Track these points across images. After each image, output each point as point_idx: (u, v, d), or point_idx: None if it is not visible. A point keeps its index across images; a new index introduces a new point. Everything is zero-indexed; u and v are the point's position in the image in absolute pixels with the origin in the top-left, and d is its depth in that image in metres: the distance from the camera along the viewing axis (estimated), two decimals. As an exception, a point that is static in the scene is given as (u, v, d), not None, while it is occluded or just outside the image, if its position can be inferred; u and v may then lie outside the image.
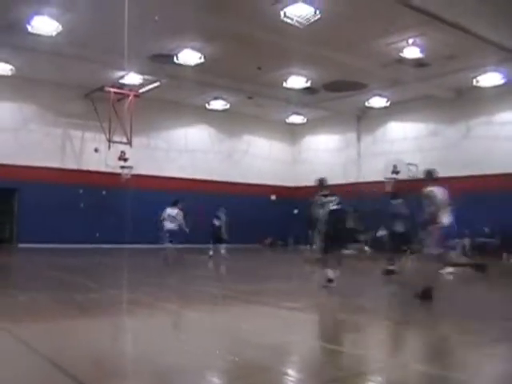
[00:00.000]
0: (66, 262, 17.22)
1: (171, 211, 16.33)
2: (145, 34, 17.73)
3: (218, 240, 19.14)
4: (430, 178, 9.73)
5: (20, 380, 4.36)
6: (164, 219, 16.29)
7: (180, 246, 16.24)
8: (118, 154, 24.28)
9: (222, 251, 18.86)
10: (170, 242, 16.15)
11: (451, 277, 13.46)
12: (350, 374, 4.81)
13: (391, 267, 13.75)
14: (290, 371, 4.96)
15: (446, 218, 9.16)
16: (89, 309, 8.00)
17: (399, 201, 14.81)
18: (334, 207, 11.72)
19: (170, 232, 16.21)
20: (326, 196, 11.96)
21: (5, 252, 22.26)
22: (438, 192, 9.31)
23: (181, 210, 16.44)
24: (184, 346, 5.76)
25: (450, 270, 13.40)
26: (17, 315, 7.14)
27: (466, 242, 22.36)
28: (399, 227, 14.18)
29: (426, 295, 8.74)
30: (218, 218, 19.26)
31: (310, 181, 29.63)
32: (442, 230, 9.07)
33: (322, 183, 10.89)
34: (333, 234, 11.30)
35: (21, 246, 23.40)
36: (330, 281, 10.61)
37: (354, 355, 5.52)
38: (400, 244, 14.32)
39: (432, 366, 4.98)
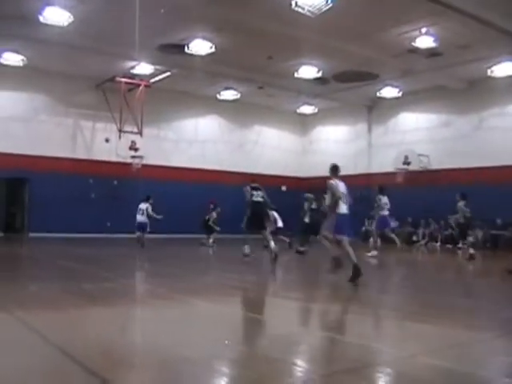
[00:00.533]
0: (77, 251, 17.29)
1: (142, 205, 18.82)
2: (155, 24, 17.70)
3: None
4: (334, 172, 11.41)
5: (30, 367, 4.36)
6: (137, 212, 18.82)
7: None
8: (129, 143, 24.32)
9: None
10: (141, 231, 18.79)
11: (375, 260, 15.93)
12: (360, 365, 4.79)
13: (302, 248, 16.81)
14: (300, 362, 4.93)
15: (343, 208, 10.59)
16: (100, 299, 8.00)
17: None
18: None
19: (140, 224, 18.76)
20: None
21: (16, 241, 22.40)
22: (339, 184, 10.81)
23: (151, 204, 18.84)
24: (194, 336, 5.75)
25: (374, 253, 16.84)
26: (28, 304, 7.15)
27: (479, 234, 22.27)
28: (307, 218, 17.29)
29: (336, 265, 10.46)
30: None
31: (320, 171, 29.65)
32: (339, 217, 10.44)
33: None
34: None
35: (32, 235, 23.52)
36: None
37: (363, 346, 5.49)
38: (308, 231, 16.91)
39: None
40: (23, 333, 5.60)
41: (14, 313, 6.43)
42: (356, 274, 9.62)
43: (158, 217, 18.62)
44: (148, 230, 18.92)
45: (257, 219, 14.01)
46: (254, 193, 14.26)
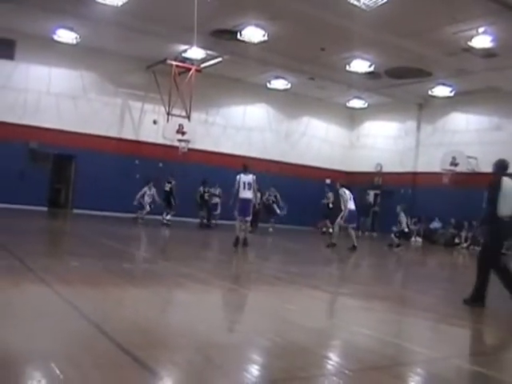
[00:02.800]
0: (118, 230, 17.52)
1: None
2: (210, 9, 17.69)
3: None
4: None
5: (66, 342, 4.45)
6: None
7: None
8: (176, 127, 24.41)
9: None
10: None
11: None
12: (391, 363, 4.75)
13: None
14: (331, 355, 4.91)
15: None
16: (139, 279, 8.11)
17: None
18: None
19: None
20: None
21: (60, 217, 22.82)
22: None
23: (153, 186, 21.44)
24: (229, 322, 5.78)
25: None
26: (68, 279, 7.27)
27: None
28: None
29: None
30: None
31: (366, 166, 29.37)
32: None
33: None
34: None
35: (75, 211, 23.91)
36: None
37: (397, 345, 5.44)
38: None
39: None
40: (60, 306, 5.70)
41: (53, 286, 6.55)
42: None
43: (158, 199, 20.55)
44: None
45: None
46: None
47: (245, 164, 15.06)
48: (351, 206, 16.66)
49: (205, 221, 21.92)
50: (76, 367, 3.70)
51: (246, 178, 14.39)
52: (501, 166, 8.12)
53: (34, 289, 6.51)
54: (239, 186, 14.25)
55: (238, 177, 14.40)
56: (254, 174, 14.58)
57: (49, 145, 23.01)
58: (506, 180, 7.78)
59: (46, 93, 23.49)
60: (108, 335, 4.62)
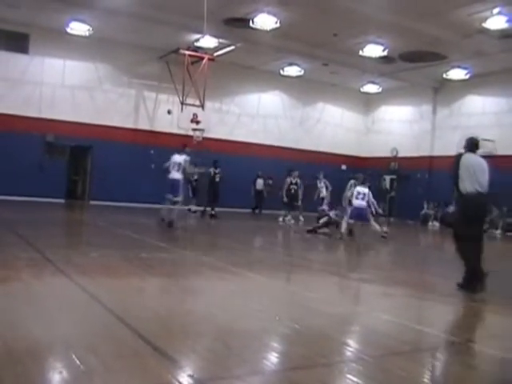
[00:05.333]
0: (135, 220, 17.60)
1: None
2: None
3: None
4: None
5: (87, 332, 4.50)
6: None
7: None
8: (191, 116, 24.38)
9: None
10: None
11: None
12: (411, 349, 4.74)
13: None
14: (351, 341, 4.92)
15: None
16: (157, 268, 8.13)
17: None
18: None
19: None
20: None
21: (77, 208, 22.95)
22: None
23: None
24: (249, 310, 5.80)
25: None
26: (88, 271, 7.32)
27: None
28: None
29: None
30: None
31: (382, 152, 29.24)
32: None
33: None
34: None
35: (92, 202, 24.05)
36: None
37: (418, 330, 5.43)
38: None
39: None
40: (81, 297, 5.75)
41: (72, 277, 6.60)
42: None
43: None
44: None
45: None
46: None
47: (184, 144, 15.15)
48: (355, 202, 14.95)
49: (209, 209, 21.38)
50: (96, 357, 3.74)
51: (178, 158, 14.48)
52: (467, 144, 8.02)
53: (54, 280, 6.57)
54: (169, 166, 14.43)
55: (171, 156, 14.57)
56: (188, 155, 14.70)
57: (65, 137, 23.11)
58: (467, 157, 7.75)
59: (61, 85, 23.59)
60: (128, 325, 4.66)
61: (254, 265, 9.37)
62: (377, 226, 15.15)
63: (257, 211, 25.90)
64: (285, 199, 18.39)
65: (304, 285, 7.79)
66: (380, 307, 6.61)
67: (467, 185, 7.58)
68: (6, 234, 11.11)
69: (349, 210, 15.17)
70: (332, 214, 16.37)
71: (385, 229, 16.10)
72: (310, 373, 3.88)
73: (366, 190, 15.10)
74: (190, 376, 3.55)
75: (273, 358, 4.19)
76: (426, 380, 3.93)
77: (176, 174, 14.39)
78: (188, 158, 14.64)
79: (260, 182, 25.87)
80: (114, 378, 3.45)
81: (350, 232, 15.62)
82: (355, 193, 15.08)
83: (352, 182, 16.36)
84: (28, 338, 4.13)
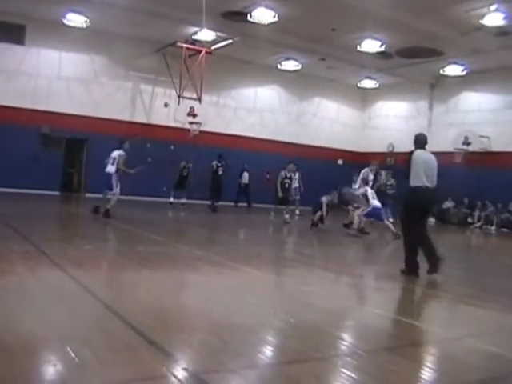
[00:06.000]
0: (131, 214, 17.58)
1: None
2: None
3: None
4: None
5: (81, 325, 4.50)
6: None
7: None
8: (187, 109, 24.38)
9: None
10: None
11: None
12: (405, 344, 4.76)
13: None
14: (345, 336, 4.93)
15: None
16: (152, 262, 8.13)
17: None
18: None
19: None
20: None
21: (73, 201, 22.91)
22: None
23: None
24: (244, 304, 5.81)
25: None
26: (83, 264, 7.32)
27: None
28: None
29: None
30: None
31: (378, 147, 29.30)
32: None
33: None
34: None
35: (88, 195, 24.00)
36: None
37: (411, 325, 5.45)
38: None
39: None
40: (75, 290, 5.75)
41: (68, 271, 6.60)
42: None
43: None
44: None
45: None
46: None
47: (121, 139, 15.62)
48: (374, 203, 14.93)
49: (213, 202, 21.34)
50: (91, 350, 3.74)
51: (114, 153, 15.06)
52: (416, 141, 8.64)
53: (48, 273, 6.57)
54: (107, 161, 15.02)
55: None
56: (125, 150, 15.13)
57: (61, 129, 23.02)
58: (418, 153, 8.33)
59: (57, 77, 23.49)
60: (123, 318, 4.66)
61: (251, 259, 9.38)
62: (391, 225, 14.90)
63: (238, 204, 25.82)
64: (280, 194, 18.10)
65: (300, 279, 7.81)
66: (373, 302, 6.64)
67: (417, 179, 8.12)
68: (1, 226, 11.09)
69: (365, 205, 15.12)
70: (324, 199, 16.17)
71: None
72: (304, 367, 3.90)
73: (370, 191, 15.22)
74: (185, 369, 3.56)
75: (268, 352, 4.21)
76: (418, 374, 3.95)
77: (109, 168, 14.90)
78: (123, 153, 15.00)
79: (246, 176, 25.88)
80: (109, 371, 3.46)
81: (348, 225, 15.66)
82: (370, 193, 15.06)
83: (366, 169, 16.40)
84: (22, 331, 4.14)
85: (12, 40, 22.40)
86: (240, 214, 21.82)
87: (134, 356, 3.75)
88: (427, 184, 8.12)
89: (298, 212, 21.24)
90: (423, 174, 8.12)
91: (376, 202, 14.93)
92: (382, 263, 10.86)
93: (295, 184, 20.65)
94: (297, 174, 20.78)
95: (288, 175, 18.19)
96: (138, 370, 3.49)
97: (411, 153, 8.35)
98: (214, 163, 20.99)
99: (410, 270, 8.15)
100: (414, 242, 8.21)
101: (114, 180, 14.90)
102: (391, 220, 15.46)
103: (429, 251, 8.11)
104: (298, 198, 21.35)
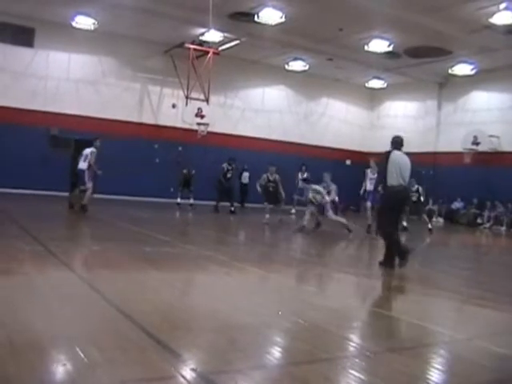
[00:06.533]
0: (140, 214, 17.62)
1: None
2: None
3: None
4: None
5: (90, 325, 4.51)
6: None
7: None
8: (195, 110, 24.42)
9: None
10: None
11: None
12: (413, 345, 4.74)
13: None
14: (353, 337, 4.92)
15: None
16: (160, 262, 8.14)
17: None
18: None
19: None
20: None
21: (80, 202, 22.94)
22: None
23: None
24: (251, 304, 5.81)
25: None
26: (91, 264, 7.36)
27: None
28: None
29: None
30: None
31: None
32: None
33: None
34: None
35: (96, 196, 24.03)
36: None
37: (419, 326, 5.43)
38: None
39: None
40: (84, 290, 5.77)
41: (76, 271, 6.63)
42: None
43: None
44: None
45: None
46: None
47: (95, 137, 16.50)
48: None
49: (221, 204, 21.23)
50: (100, 350, 3.75)
51: (86, 150, 15.92)
52: (393, 142, 9.07)
53: (57, 273, 6.58)
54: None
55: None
56: (96, 148, 15.92)
57: (69, 130, 23.11)
58: (395, 154, 8.81)
59: (66, 79, 23.60)
60: (131, 318, 4.67)
61: (258, 259, 9.39)
62: (341, 219, 15.36)
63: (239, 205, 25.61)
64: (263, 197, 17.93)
65: (307, 280, 7.80)
66: (381, 302, 6.62)
67: (393, 178, 8.63)
68: (10, 226, 11.15)
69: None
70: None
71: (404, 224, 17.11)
72: (312, 367, 3.89)
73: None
74: (193, 370, 3.56)
75: (275, 353, 4.21)
76: (427, 375, 3.93)
77: (81, 165, 15.68)
78: (94, 151, 15.78)
79: (246, 176, 25.81)
80: (118, 371, 3.46)
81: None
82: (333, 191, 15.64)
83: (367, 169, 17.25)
84: (31, 330, 4.15)
85: (21, 42, 22.53)
86: (244, 215, 21.80)
87: (142, 356, 3.76)
88: (402, 182, 8.67)
89: (293, 211, 21.22)
90: (399, 173, 8.65)
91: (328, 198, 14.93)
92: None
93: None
94: (306, 174, 20.97)
95: (271, 178, 17.92)
96: (146, 371, 3.50)
97: (388, 153, 8.84)
98: (225, 166, 20.77)
99: (388, 262, 8.73)
100: (391, 236, 8.78)
101: (86, 176, 15.59)
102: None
103: (399, 246, 8.75)
104: (299, 197, 21.31)
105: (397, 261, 8.68)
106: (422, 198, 18.36)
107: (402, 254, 8.62)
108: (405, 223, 16.98)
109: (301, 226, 14.63)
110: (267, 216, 16.86)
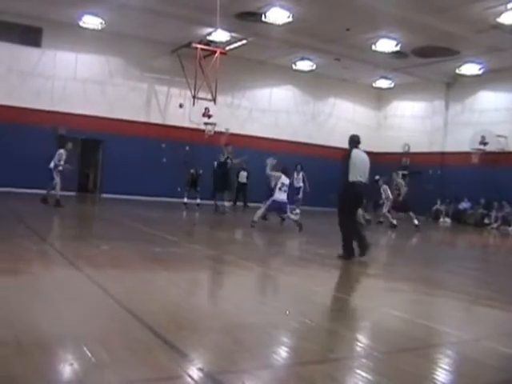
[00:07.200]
0: (147, 214, 17.63)
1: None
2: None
3: None
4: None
5: (97, 325, 4.51)
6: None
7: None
8: (202, 110, 24.47)
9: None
10: None
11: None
12: (422, 345, 4.73)
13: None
14: (361, 337, 4.90)
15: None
16: (167, 262, 8.14)
17: None
18: None
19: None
20: None
21: (89, 202, 23.05)
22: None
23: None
24: (258, 304, 5.81)
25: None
26: (99, 264, 7.35)
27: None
28: None
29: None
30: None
31: (394, 147, 29.12)
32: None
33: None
34: None
35: (103, 196, 24.14)
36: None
37: (427, 326, 5.42)
38: None
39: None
40: (91, 290, 5.77)
41: (83, 270, 6.63)
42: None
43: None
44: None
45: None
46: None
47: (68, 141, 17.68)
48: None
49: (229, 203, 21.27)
50: (107, 350, 3.75)
51: (58, 151, 17.13)
52: (351, 141, 9.83)
53: (65, 273, 6.59)
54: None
55: None
56: (67, 150, 17.13)
57: (77, 130, 23.16)
58: (356, 152, 9.46)
59: (73, 79, 23.67)
60: (138, 318, 4.67)
61: (264, 259, 9.38)
62: (293, 216, 15.69)
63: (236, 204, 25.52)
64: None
65: (314, 279, 7.79)
66: (388, 302, 6.60)
67: (354, 175, 9.18)
68: (17, 226, 11.18)
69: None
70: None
71: (416, 222, 18.56)
72: (319, 368, 3.88)
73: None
74: (200, 369, 3.56)
75: (282, 353, 4.20)
76: (435, 376, 3.92)
77: (51, 164, 17.00)
78: (61, 151, 17.06)
79: (243, 175, 25.54)
80: (125, 371, 3.46)
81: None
82: (279, 185, 14.87)
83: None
84: (38, 330, 4.16)
85: (29, 42, 22.62)
86: (247, 215, 21.76)
87: (149, 356, 3.75)
88: (361, 179, 9.26)
89: (298, 211, 21.14)
90: (359, 170, 9.26)
91: (281, 196, 14.62)
92: (397, 263, 10.79)
93: (299, 184, 20.82)
94: (300, 174, 21.22)
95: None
96: (153, 371, 3.50)
97: (349, 151, 9.45)
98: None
99: (347, 254, 9.25)
100: (349, 229, 9.30)
101: (53, 172, 16.89)
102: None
103: (359, 238, 9.28)
104: (300, 197, 21.35)
105: (357, 251, 9.24)
106: (401, 194, 19.47)
107: (363, 247, 9.16)
108: (367, 216, 18.08)
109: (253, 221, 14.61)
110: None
